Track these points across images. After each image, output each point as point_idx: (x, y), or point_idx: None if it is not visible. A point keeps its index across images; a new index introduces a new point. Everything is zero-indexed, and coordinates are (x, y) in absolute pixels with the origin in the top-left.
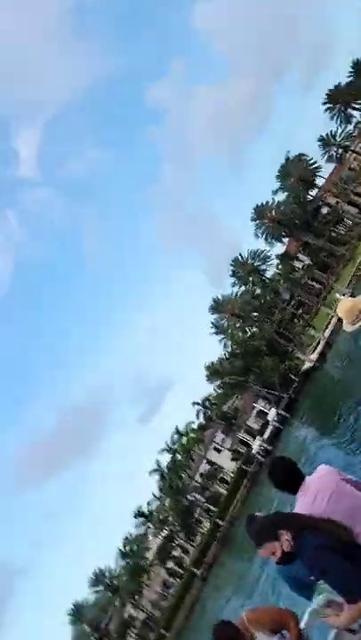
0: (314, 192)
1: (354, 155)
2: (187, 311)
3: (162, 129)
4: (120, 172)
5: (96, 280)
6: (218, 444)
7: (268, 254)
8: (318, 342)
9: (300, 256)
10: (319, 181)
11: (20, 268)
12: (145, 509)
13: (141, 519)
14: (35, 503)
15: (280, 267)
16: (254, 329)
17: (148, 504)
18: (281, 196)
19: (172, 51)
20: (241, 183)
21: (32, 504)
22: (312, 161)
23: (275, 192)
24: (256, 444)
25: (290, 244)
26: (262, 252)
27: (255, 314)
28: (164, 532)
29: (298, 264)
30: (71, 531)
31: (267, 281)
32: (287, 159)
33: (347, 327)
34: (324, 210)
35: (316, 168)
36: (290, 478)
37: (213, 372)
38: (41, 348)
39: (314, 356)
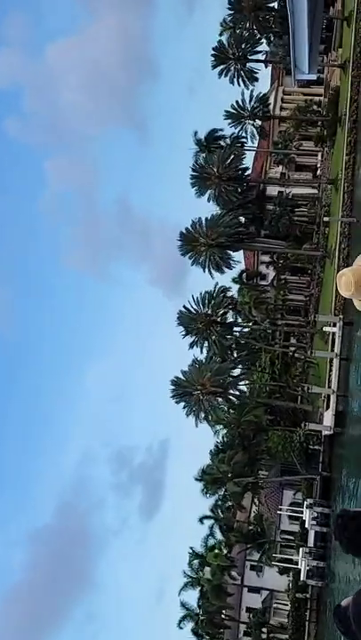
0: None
1: (278, 119)
2: (148, 340)
3: (25, 116)
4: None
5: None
6: (254, 561)
7: (222, 291)
8: (328, 399)
9: (263, 266)
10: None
11: None
12: None
13: None
14: None
15: (245, 293)
16: (244, 385)
17: None
18: (209, 205)
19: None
20: (153, 152)
21: None
22: (228, 145)
23: (197, 195)
24: (303, 565)
25: (246, 257)
26: (212, 292)
27: (235, 372)
28: None
29: (265, 280)
30: None
31: (232, 326)
32: (198, 150)
33: (359, 306)
34: (273, 191)
35: (238, 153)
36: None
37: (211, 481)
38: None
39: (329, 421)
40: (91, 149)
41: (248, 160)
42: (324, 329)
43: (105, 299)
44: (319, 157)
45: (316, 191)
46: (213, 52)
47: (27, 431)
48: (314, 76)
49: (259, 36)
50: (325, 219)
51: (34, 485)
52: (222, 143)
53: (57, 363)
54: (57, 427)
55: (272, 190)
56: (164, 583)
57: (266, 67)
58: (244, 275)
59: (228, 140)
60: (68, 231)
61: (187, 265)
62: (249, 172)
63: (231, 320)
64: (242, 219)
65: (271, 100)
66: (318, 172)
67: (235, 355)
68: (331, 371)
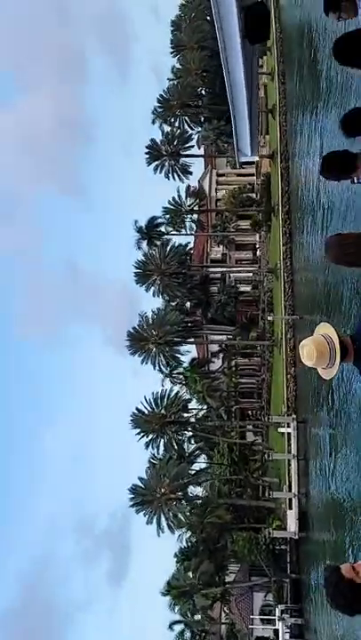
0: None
1: (214, 211)
2: (103, 397)
3: None
4: None
5: None
6: None
7: (177, 390)
8: (290, 503)
9: (214, 346)
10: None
11: None
12: None
13: None
14: None
15: (198, 381)
16: (204, 490)
17: None
18: (155, 299)
19: None
20: (94, 214)
21: None
22: (169, 239)
23: (141, 287)
24: None
25: (198, 347)
26: (165, 393)
27: (195, 466)
28: None
29: (216, 364)
30: None
31: (189, 421)
32: (139, 239)
33: (326, 375)
34: (216, 271)
35: (179, 249)
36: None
37: (177, 595)
38: None
39: (293, 526)
40: (32, 216)
41: (188, 239)
42: (278, 430)
43: (59, 363)
44: (257, 238)
45: (257, 269)
46: (147, 150)
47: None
48: (256, 158)
49: (190, 132)
50: (269, 317)
51: None
52: (162, 230)
53: (11, 434)
54: (16, 502)
55: (215, 271)
56: None
57: (199, 148)
58: (195, 362)
59: (167, 228)
60: (16, 297)
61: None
62: (191, 255)
63: (186, 415)
64: (187, 304)
65: (206, 183)
66: (258, 252)
67: (193, 443)
68: (290, 471)
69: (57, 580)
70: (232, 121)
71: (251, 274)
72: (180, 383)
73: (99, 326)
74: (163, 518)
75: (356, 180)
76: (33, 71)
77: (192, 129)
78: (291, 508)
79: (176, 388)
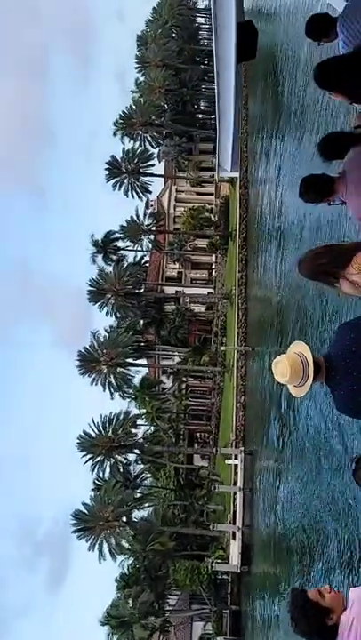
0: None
1: (172, 233)
2: (53, 405)
3: None
4: None
5: None
6: None
7: (127, 409)
8: (234, 535)
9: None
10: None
11: None
12: None
13: None
14: None
15: (147, 402)
16: (149, 513)
17: None
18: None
19: None
20: (50, 215)
21: None
22: (125, 254)
23: (94, 306)
24: None
25: (151, 368)
26: (113, 416)
27: (139, 496)
28: None
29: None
30: None
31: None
32: (94, 253)
33: (297, 393)
34: (171, 289)
35: (134, 265)
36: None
37: (118, 625)
38: None
39: (236, 559)
40: None
41: (144, 253)
42: (226, 462)
43: (3, 362)
44: (213, 258)
45: (212, 292)
46: (107, 167)
47: None
48: (236, 174)
49: (151, 150)
50: (222, 348)
51: None
52: (119, 244)
53: None
54: None
55: (170, 289)
56: None
57: (159, 162)
58: (146, 382)
59: (124, 243)
60: None
61: (89, 323)
62: (147, 271)
63: (134, 430)
64: (140, 322)
65: (165, 199)
66: (213, 273)
67: (139, 464)
68: (235, 501)
69: None
70: (216, 135)
71: (206, 293)
72: (129, 398)
73: (49, 328)
74: (105, 545)
75: (331, 202)
76: None
77: (153, 147)
78: (234, 539)
79: (125, 404)
